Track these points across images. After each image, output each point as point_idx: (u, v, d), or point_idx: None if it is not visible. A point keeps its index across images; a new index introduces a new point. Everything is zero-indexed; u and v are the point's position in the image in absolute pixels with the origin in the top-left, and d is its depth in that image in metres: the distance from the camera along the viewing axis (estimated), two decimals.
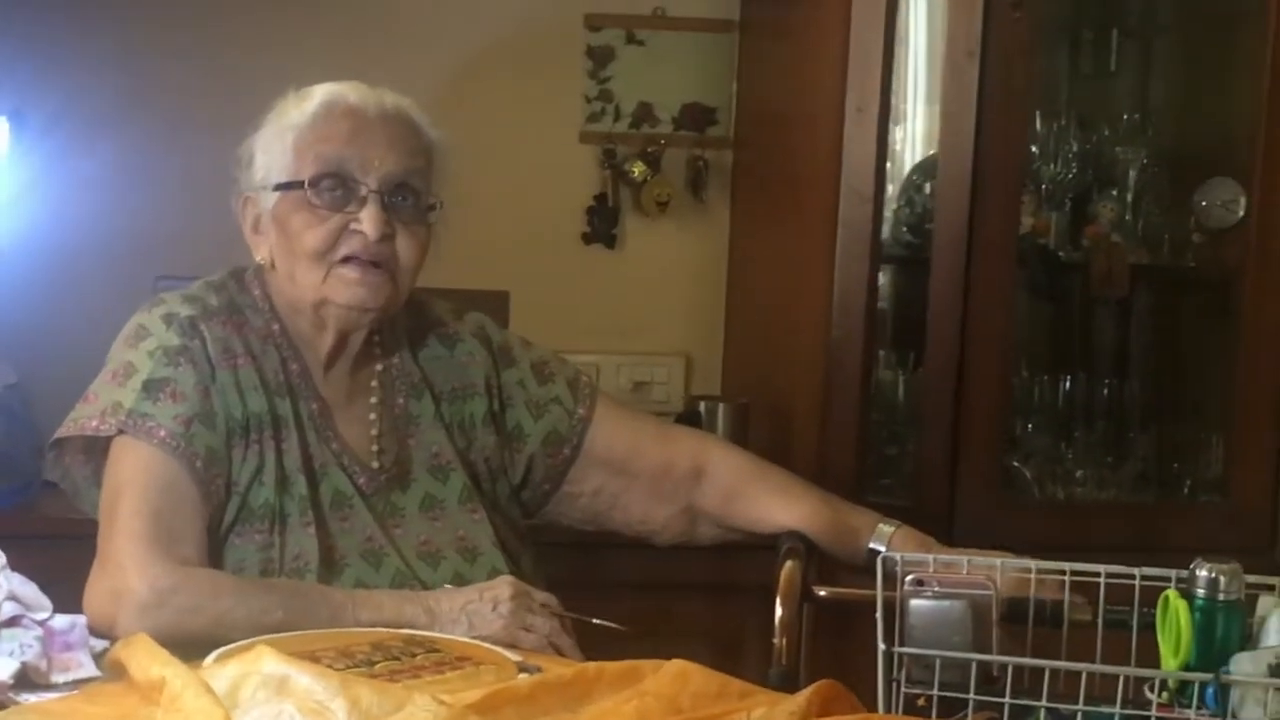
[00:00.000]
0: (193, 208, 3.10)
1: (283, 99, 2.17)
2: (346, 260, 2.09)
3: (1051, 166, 3.21)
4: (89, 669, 1.79)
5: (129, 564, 1.94)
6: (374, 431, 2.19)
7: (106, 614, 1.91)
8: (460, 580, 2.13)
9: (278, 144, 2.13)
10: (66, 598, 1.88)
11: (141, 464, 2.03)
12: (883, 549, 2.20)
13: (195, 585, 1.95)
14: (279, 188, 2.12)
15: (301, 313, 2.14)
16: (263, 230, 2.15)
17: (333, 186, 2.10)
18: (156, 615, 1.90)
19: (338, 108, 2.12)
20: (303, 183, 2.09)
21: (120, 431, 2.04)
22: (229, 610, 1.93)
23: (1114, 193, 3.22)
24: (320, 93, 2.14)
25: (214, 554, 2.04)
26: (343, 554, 2.10)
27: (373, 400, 2.20)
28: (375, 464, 2.17)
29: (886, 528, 2.26)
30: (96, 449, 2.09)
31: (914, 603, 1.70)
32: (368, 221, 2.08)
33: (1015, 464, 3.11)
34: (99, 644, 1.84)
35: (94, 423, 2.06)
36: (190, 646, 1.82)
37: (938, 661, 1.64)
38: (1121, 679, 1.60)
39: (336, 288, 2.10)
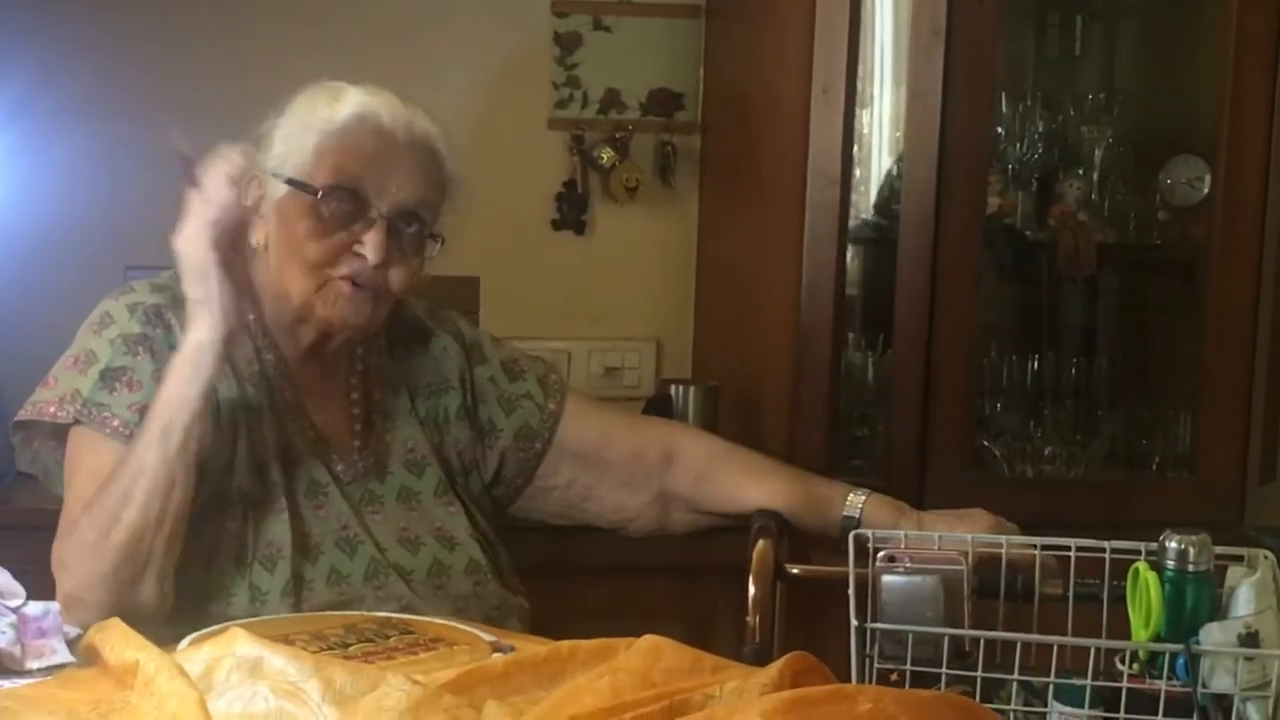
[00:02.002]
0: (164, 196, 3.09)
1: (312, 89, 2.12)
2: (344, 278, 2.08)
3: (1018, 147, 3.22)
4: (63, 655, 1.80)
5: (56, 565, 1.96)
6: (357, 427, 2.19)
7: (65, 614, 1.90)
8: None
9: (299, 138, 2.09)
10: (40, 585, 1.88)
11: (91, 457, 2.03)
12: (856, 515, 2.22)
13: (72, 557, 1.94)
14: (290, 183, 2.08)
15: (286, 300, 2.12)
16: (263, 215, 2.11)
17: (344, 200, 2.07)
18: (81, 610, 1.90)
19: (369, 123, 2.09)
20: (316, 190, 2.07)
21: (76, 421, 2.04)
22: (104, 558, 1.92)
23: (1080, 172, 3.23)
24: (354, 101, 2.10)
25: (187, 538, 2.02)
26: (317, 541, 2.10)
27: (354, 396, 2.20)
28: (356, 456, 2.17)
29: (858, 496, 2.28)
30: (64, 434, 2.08)
31: (886, 579, 1.72)
32: (371, 247, 2.06)
33: (985, 443, 3.12)
34: (72, 630, 1.85)
35: (52, 409, 2.06)
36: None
37: (910, 637, 1.66)
38: (1093, 651, 1.61)
39: (326, 299, 2.08)
